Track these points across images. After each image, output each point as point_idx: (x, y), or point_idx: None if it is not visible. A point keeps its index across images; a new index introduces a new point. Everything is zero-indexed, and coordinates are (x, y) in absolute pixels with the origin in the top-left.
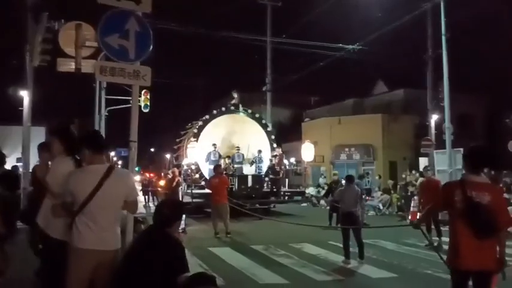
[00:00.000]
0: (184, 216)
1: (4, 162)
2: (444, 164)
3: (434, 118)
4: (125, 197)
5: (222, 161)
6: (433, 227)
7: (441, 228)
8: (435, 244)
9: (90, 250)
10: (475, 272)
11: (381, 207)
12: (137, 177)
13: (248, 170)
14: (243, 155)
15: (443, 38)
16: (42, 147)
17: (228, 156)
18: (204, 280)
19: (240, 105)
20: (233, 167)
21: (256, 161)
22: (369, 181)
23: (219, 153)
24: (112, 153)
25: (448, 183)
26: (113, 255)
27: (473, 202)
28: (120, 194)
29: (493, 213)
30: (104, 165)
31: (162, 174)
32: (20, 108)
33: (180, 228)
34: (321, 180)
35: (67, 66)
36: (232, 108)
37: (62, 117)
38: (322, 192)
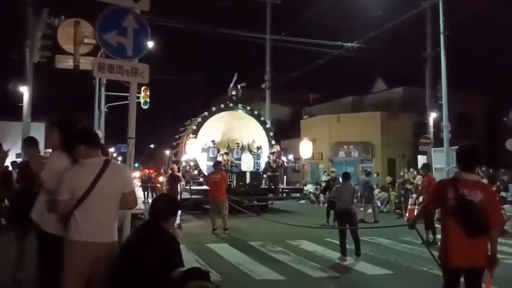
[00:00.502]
0: (180, 211)
1: None
2: (442, 162)
3: (432, 116)
4: (122, 190)
5: (220, 157)
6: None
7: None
8: (431, 241)
9: (87, 242)
10: (466, 270)
11: (379, 205)
12: (136, 173)
13: (246, 166)
14: (241, 151)
15: (442, 37)
16: (30, 142)
17: (227, 153)
18: (198, 275)
19: (240, 94)
20: (232, 163)
21: (255, 157)
22: None
23: (217, 149)
24: (111, 149)
25: (440, 181)
26: (110, 248)
27: (465, 200)
28: (118, 187)
29: (485, 212)
30: (100, 159)
31: (162, 170)
32: (20, 104)
33: (175, 224)
34: (324, 178)
35: (66, 63)
36: (231, 105)
37: (70, 114)
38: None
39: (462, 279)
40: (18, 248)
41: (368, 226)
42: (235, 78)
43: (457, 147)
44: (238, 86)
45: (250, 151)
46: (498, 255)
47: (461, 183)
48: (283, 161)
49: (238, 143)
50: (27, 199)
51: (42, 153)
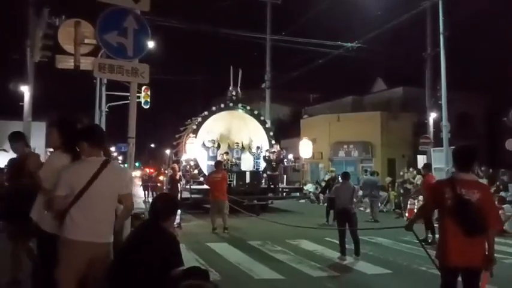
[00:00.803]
0: (179, 211)
1: None
2: (441, 162)
3: (432, 116)
4: (119, 191)
5: (220, 157)
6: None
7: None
8: (430, 241)
9: (83, 242)
10: (464, 269)
11: (379, 205)
12: (137, 173)
13: (246, 166)
14: (241, 151)
15: (442, 37)
16: (14, 137)
17: (227, 153)
18: (197, 274)
19: (240, 95)
20: (231, 163)
21: (255, 157)
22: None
23: (217, 149)
24: (112, 149)
25: (438, 182)
26: (105, 249)
27: (462, 199)
28: (115, 187)
29: (482, 212)
30: (100, 158)
31: (162, 169)
32: (21, 104)
33: (175, 223)
34: (326, 177)
35: (66, 63)
36: (231, 104)
37: (70, 114)
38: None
39: (460, 279)
40: (12, 247)
41: (366, 227)
42: (233, 92)
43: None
44: (238, 89)
45: (250, 151)
46: (498, 255)
47: (459, 183)
48: (283, 157)
49: (238, 143)
50: (18, 197)
51: (32, 149)
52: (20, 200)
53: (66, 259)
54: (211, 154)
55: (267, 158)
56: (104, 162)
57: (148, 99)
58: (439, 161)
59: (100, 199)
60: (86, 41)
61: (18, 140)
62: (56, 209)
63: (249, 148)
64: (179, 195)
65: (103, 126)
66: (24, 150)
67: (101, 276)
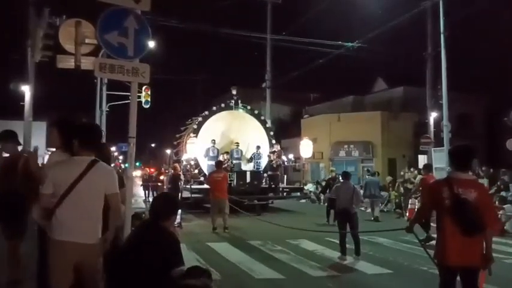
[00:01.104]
0: (180, 210)
1: None
2: (442, 162)
3: (433, 116)
4: (106, 191)
5: (220, 157)
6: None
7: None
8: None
9: (70, 242)
10: (462, 268)
11: (380, 204)
12: (138, 172)
13: (247, 166)
14: (241, 151)
15: (442, 37)
16: (7, 136)
17: (227, 152)
18: (199, 273)
19: (240, 101)
20: (232, 162)
21: (255, 157)
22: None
23: (217, 149)
24: (113, 148)
25: (435, 182)
26: (94, 249)
27: (460, 199)
28: (101, 187)
29: (480, 211)
30: (87, 158)
31: (163, 169)
32: (22, 103)
33: (176, 223)
34: (328, 177)
35: (67, 63)
36: (232, 104)
37: (70, 114)
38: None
39: (458, 278)
40: (10, 247)
41: (367, 227)
42: (234, 92)
43: None
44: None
45: (249, 160)
46: (498, 255)
47: (456, 183)
48: (283, 160)
49: (238, 143)
50: (11, 197)
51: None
52: (13, 199)
53: (55, 260)
54: (211, 154)
55: (270, 159)
56: (91, 162)
57: (149, 99)
58: (440, 161)
59: (86, 199)
60: (87, 40)
61: (9, 139)
62: (43, 207)
63: (249, 160)
64: (180, 194)
65: (104, 126)
66: (17, 150)
67: (91, 277)
